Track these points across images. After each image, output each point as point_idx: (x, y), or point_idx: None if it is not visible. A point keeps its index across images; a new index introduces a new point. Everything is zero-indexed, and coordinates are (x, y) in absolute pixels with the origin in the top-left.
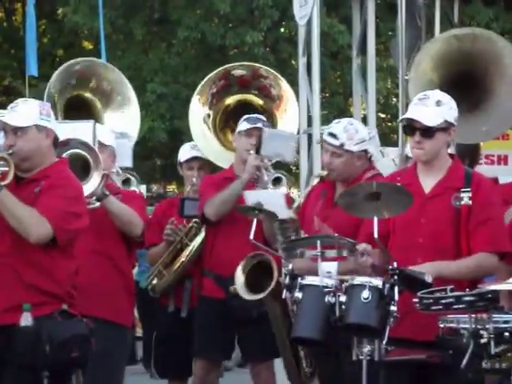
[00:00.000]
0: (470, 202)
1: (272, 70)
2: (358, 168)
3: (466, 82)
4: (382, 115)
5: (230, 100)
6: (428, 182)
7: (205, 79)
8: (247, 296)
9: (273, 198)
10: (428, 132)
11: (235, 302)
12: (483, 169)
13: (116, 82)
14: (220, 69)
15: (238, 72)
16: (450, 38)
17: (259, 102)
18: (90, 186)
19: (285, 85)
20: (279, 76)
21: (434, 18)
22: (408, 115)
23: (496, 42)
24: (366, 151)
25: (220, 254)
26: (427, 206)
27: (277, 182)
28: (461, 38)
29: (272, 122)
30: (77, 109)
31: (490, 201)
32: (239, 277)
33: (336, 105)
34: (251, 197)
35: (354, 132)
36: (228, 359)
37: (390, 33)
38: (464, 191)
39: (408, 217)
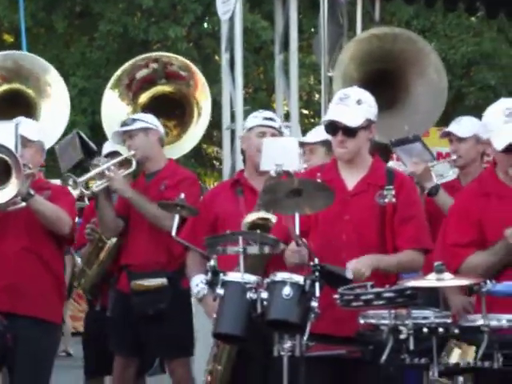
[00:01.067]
0: (394, 200)
1: (169, 55)
2: None
3: (386, 81)
4: (305, 111)
5: (143, 98)
6: (350, 179)
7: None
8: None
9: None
10: (350, 131)
11: (135, 299)
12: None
13: (41, 71)
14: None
15: (142, 73)
16: (370, 38)
17: (168, 89)
18: (9, 191)
19: (188, 63)
20: (177, 56)
21: (356, 15)
22: (330, 117)
23: (416, 42)
24: None
25: (132, 249)
26: (350, 203)
27: None
28: (381, 37)
29: (190, 103)
30: (11, 102)
31: (413, 199)
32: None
33: (259, 101)
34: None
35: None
36: (136, 356)
37: (313, 29)
38: (388, 189)
39: (331, 213)
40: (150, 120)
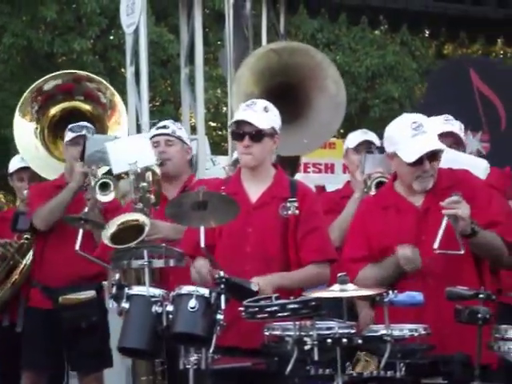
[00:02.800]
0: (297, 212)
1: (97, 77)
2: (187, 166)
3: (286, 95)
4: (213, 124)
5: (55, 110)
6: (254, 191)
7: (21, 100)
8: (108, 242)
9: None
10: (257, 136)
11: (64, 314)
12: (311, 177)
13: None
14: (32, 87)
15: (50, 84)
16: (268, 52)
17: (86, 107)
18: None
19: (117, 97)
20: (107, 84)
21: (261, 28)
22: (238, 117)
23: (314, 56)
24: (191, 150)
25: (48, 265)
26: (254, 216)
27: (104, 187)
28: (279, 51)
29: (103, 128)
30: None
31: (316, 210)
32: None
33: (166, 113)
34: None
35: (180, 125)
36: (57, 371)
37: (219, 42)
38: (291, 201)
39: (235, 226)
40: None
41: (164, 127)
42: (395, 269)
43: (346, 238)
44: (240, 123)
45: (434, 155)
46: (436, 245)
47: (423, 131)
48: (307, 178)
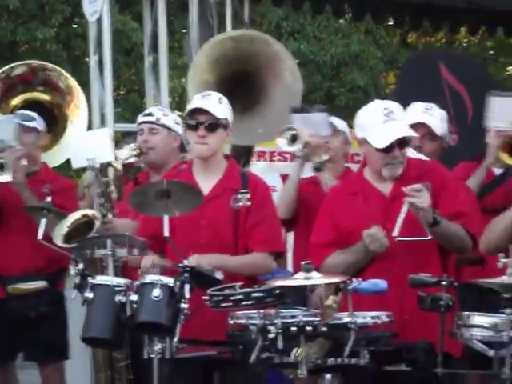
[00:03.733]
0: (249, 204)
1: (50, 64)
2: (175, 153)
3: (242, 84)
4: (178, 112)
5: (16, 100)
6: (206, 183)
7: None
8: (59, 242)
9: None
10: (212, 126)
11: (13, 303)
12: (277, 166)
13: None
14: None
15: (16, 71)
16: (225, 40)
17: (46, 97)
18: None
19: (71, 80)
20: (60, 69)
21: (226, 16)
22: (195, 105)
23: (272, 46)
24: (180, 137)
25: (4, 254)
26: (206, 208)
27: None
28: (237, 39)
29: (63, 116)
30: None
31: (266, 202)
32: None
33: (131, 102)
34: None
35: (168, 112)
36: (12, 360)
37: (184, 31)
38: (242, 193)
39: (188, 218)
40: None
41: (149, 114)
42: (363, 253)
43: (315, 223)
44: (195, 113)
45: (403, 142)
46: (395, 232)
47: (394, 118)
48: (273, 167)
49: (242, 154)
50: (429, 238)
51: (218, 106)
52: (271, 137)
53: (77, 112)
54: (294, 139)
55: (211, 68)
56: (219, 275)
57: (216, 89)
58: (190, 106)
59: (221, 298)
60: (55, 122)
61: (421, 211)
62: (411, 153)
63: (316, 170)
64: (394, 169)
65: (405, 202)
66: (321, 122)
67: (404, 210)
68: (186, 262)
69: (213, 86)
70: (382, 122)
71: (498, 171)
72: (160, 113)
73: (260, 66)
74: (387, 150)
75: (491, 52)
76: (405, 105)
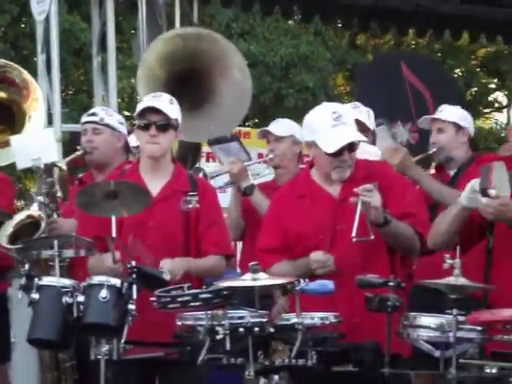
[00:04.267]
0: (198, 206)
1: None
2: (119, 153)
3: (191, 81)
4: (127, 113)
5: None
6: (154, 185)
7: None
8: (4, 243)
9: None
10: (164, 126)
11: None
12: None
13: None
14: None
15: None
16: (174, 37)
17: (2, 95)
18: None
19: (25, 74)
20: (12, 64)
21: (175, 17)
22: (147, 104)
23: (220, 43)
24: (125, 137)
25: None
26: (155, 209)
27: None
28: (185, 37)
29: (21, 112)
30: None
31: (215, 204)
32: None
33: (80, 102)
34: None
35: (112, 112)
36: None
37: (133, 31)
38: (191, 195)
39: (137, 218)
40: None
41: (93, 114)
42: (307, 271)
43: (261, 227)
44: (147, 112)
45: (352, 146)
46: (354, 233)
47: (343, 122)
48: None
49: (190, 153)
50: (372, 237)
51: (170, 106)
52: (221, 134)
53: (35, 105)
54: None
55: (160, 65)
56: (166, 276)
57: (165, 86)
58: (140, 106)
59: (168, 299)
60: (13, 120)
61: (373, 210)
62: (365, 146)
63: (245, 194)
64: (343, 172)
65: (358, 201)
66: (237, 149)
67: (358, 210)
68: (133, 263)
69: (162, 83)
70: (332, 126)
71: (452, 172)
72: (103, 113)
73: (208, 63)
74: (337, 154)
75: (439, 54)
76: (366, 105)
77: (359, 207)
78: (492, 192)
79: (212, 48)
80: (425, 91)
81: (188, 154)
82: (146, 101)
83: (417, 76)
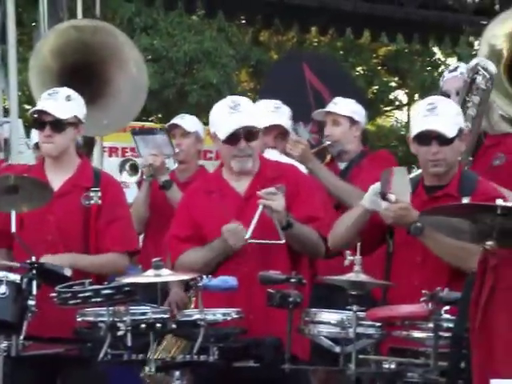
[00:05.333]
0: (100, 202)
1: None
2: None
3: (86, 74)
4: (28, 106)
5: None
6: (56, 180)
7: None
8: None
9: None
10: (58, 126)
11: None
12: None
13: None
14: None
15: None
16: (69, 29)
17: None
18: None
19: None
20: None
21: (77, 10)
22: (39, 107)
23: (117, 37)
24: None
25: None
26: (55, 204)
27: None
28: (81, 28)
29: None
30: None
31: (119, 201)
32: None
33: None
34: None
35: None
36: None
37: (34, 24)
38: (94, 191)
39: (36, 214)
40: None
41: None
42: (222, 250)
43: (174, 217)
44: (40, 113)
45: (250, 134)
46: (248, 234)
47: (240, 110)
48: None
49: (84, 146)
50: (283, 241)
51: (65, 104)
52: (116, 128)
53: None
54: (134, 168)
55: (54, 57)
56: (68, 272)
57: (57, 78)
58: (37, 106)
59: (69, 294)
60: None
61: (275, 214)
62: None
63: (163, 187)
64: (243, 162)
65: (259, 204)
66: (163, 143)
67: (258, 212)
68: (33, 259)
69: (54, 74)
70: (228, 114)
71: (343, 165)
72: None
73: (104, 56)
74: (233, 141)
75: (341, 52)
76: None
77: (260, 210)
78: (391, 197)
79: (108, 41)
80: (325, 92)
81: (82, 149)
82: (41, 100)
83: (318, 77)
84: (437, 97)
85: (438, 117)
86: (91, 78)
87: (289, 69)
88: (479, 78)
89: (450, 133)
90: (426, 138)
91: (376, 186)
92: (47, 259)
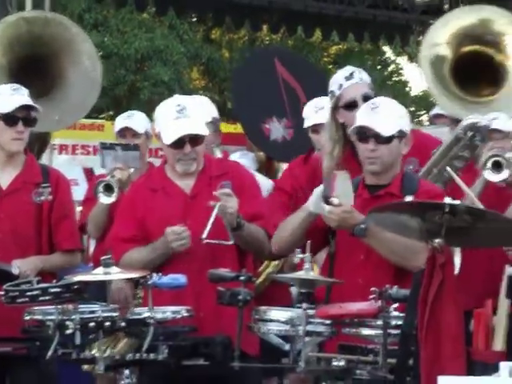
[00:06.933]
0: (51, 198)
1: None
2: None
3: (37, 67)
4: None
5: None
6: (5, 178)
7: None
8: None
9: None
10: (31, 121)
11: None
12: (79, 159)
13: None
14: None
15: None
16: (18, 21)
17: None
18: None
19: None
20: None
21: (25, 4)
22: (21, 102)
23: (69, 28)
24: None
25: None
26: (5, 202)
27: None
28: (31, 20)
29: None
30: None
31: (69, 197)
32: None
33: None
34: None
35: None
36: None
37: None
38: (44, 187)
39: None
40: None
41: None
42: (163, 249)
43: (115, 217)
44: (18, 109)
45: (195, 139)
46: (204, 235)
47: (186, 115)
48: (75, 160)
49: (36, 143)
50: (231, 242)
51: (29, 99)
52: (69, 123)
53: None
54: (109, 188)
55: (4, 50)
56: (15, 269)
57: (9, 72)
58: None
59: (16, 293)
60: None
61: (228, 215)
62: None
63: None
64: (187, 165)
65: (215, 205)
66: (131, 157)
67: (214, 213)
68: None
69: (6, 69)
70: (174, 118)
71: None
72: None
73: (56, 49)
74: (178, 146)
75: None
76: (242, 101)
77: (215, 211)
78: (334, 200)
79: (60, 33)
80: (297, 87)
81: (34, 143)
82: (13, 97)
83: (289, 72)
84: (382, 98)
85: (378, 115)
86: (43, 71)
87: (260, 65)
88: (476, 136)
89: (387, 132)
90: (365, 135)
91: (319, 190)
92: (18, 263)
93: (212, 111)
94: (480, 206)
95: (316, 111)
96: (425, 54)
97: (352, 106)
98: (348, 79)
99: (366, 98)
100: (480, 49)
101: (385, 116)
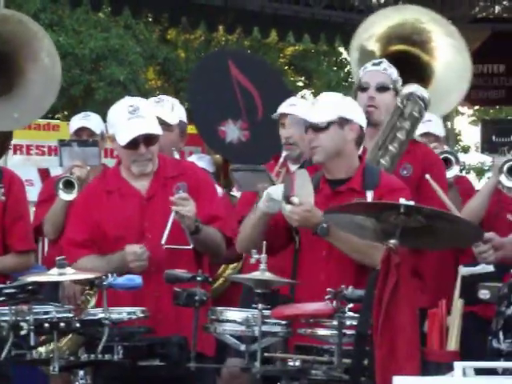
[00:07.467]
0: (3, 198)
1: None
2: None
3: None
4: None
5: None
6: None
7: None
8: None
9: None
10: None
11: None
12: (34, 159)
13: None
14: None
15: None
16: None
17: None
18: None
19: None
20: None
21: None
22: None
23: (28, 25)
24: None
25: None
26: None
27: None
28: None
29: None
30: None
31: (22, 197)
32: None
33: None
34: None
35: None
36: None
37: None
38: None
39: None
40: None
41: None
42: (119, 265)
43: (68, 220)
44: None
45: (150, 139)
46: (163, 240)
47: (139, 115)
48: (30, 161)
49: None
50: (191, 247)
51: None
52: (28, 122)
53: None
54: (70, 184)
55: None
56: None
57: None
58: None
59: None
60: None
61: (186, 219)
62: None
63: None
64: (142, 166)
65: (172, 210)
66: (91, 154)
67: (171, 218)
68: None
69: None
70: (127, 118)
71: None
72: None
73: (14, 46)
74: (132, 146)
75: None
76: (198, 105)
77: (172, 215)
78: (295, 199)
79: (19, 30)
80: (252, 88)
81: None
82: None
83: (243, 73)
84: (324, 93)
85: (314, 107)
86: (2, 69)
87: (214, 66)
88: (414, 107)
89: (320, 120)
90: (306, 128)
91: (270, 191)
92: None
93: (181, 114)
94: (455, 210)
95: (289, 104)
96: (354, 55)
97: (364, 89)
98: (374, 65)
99: (380, 88)
100: (407, 48)
101: (319, 106)
